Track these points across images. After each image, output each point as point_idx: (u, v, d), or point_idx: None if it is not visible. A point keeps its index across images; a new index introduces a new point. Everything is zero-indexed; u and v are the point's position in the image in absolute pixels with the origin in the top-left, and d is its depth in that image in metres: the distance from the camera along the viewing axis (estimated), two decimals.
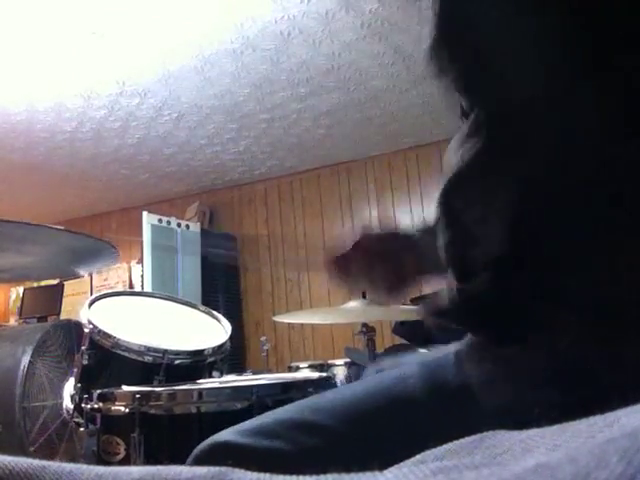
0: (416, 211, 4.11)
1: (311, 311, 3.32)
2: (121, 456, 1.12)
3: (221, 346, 1.55)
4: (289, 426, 0.63)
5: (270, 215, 4.65)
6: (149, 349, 1.43)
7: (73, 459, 2.53)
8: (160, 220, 4.09)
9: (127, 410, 1.13)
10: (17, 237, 1.73)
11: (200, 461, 0.62)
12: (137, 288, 4.47)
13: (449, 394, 0.63)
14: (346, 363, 3.09)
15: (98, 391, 1.21)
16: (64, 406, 2.55)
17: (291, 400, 0.74)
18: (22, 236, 1.74)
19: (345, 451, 0.60)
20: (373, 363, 1.90)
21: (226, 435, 0.64)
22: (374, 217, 4.27)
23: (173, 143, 3.89)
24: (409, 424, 0.63)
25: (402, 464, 0.23)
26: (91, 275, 4.81)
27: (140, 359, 1.43)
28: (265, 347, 3.04)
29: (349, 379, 2.57)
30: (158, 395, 1.14)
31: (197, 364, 1.50)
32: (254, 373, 2.60)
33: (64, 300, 3.54)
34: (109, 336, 1.45)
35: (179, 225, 4.22)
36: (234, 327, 1.71)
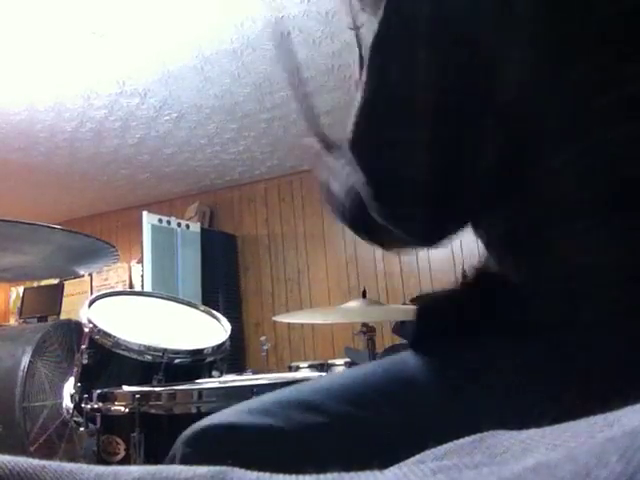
0: None
1: (311, 311, 3.32)
2: (121, 456, 1.12)
3: (221, 346, 1.55)
4: (285, 405, 0.62)
5: (270, 215, 4.65)
6: (149, 348, 1.43)
7: (73, 459, 2.53)
8: (160, 220, 4.09)
9: (127, 410, 1.13)
10: (17, 237, 1.73)
11: (194, 442, 0.62)
12: (137, 288, 4.47)
13: (446, 375, 0.63)
14: (346, 363, 3.09)
15: (98, 391, 1.21)
16: (64, 406, 2.55)
17: None
18: (21, 236, 1.74)
19: (342, 429, 0.60)
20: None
21: (220, 416, 0.64)
22: None
23: (173, 143, 3.89)
24: (408, 403, 0.62)
25: (402, 463, 0.23)
26: (91, 275, 4.81)
27: (140, 358, 1.43)
28: (265, 347, 3.04)
29: None
30: (158, 395, 1.14)
31: (197, 363, 1.50)
32: (254, 373, 2.60)
33: (64, 300, 3.54)
34: (109, 335, 1.45)
35: (179, 225, 4.22)
36: (234, 327, 1.70)
